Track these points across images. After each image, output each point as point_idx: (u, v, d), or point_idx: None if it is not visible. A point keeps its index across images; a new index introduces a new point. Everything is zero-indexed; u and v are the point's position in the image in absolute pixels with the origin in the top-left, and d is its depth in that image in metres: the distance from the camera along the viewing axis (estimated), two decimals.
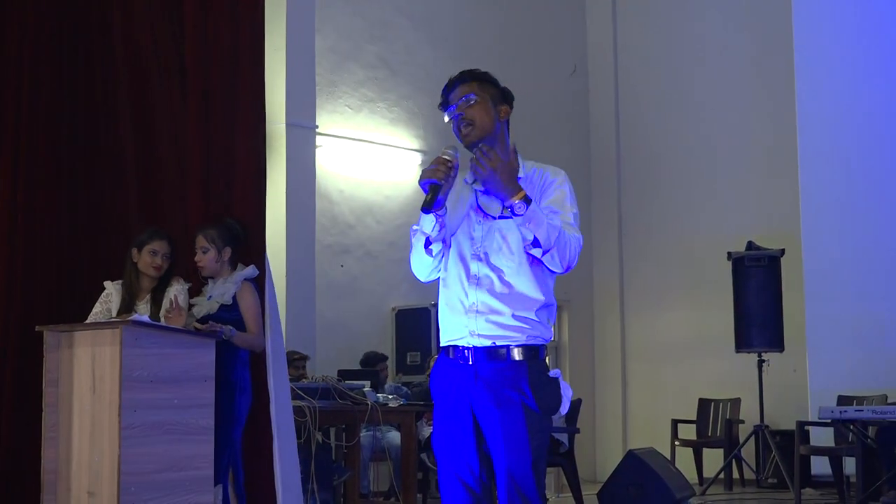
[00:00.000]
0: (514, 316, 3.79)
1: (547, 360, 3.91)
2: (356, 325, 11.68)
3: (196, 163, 6.30)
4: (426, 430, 10.28)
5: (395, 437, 9.83)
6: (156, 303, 5.87)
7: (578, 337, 14.59)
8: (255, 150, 6.17)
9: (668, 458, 11.13)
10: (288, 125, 10.97)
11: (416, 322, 11.99)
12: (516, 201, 3.68)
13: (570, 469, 9.59)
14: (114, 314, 5.84)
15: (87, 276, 6.41)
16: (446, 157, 3.81)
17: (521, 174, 3.87)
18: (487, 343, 3.79)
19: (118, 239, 6.38)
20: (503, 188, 3.71)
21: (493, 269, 3.81)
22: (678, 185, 14.21)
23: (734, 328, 11.68)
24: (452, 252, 3.90)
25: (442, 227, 3.86)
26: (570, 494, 9.62)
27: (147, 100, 6.56)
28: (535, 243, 3.69)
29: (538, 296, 3.82)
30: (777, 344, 11.47)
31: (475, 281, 3.82)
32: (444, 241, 3.89)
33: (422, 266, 3.96)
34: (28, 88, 6.78)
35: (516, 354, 3.78)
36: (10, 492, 6.21)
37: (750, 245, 11.80)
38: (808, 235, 12.18)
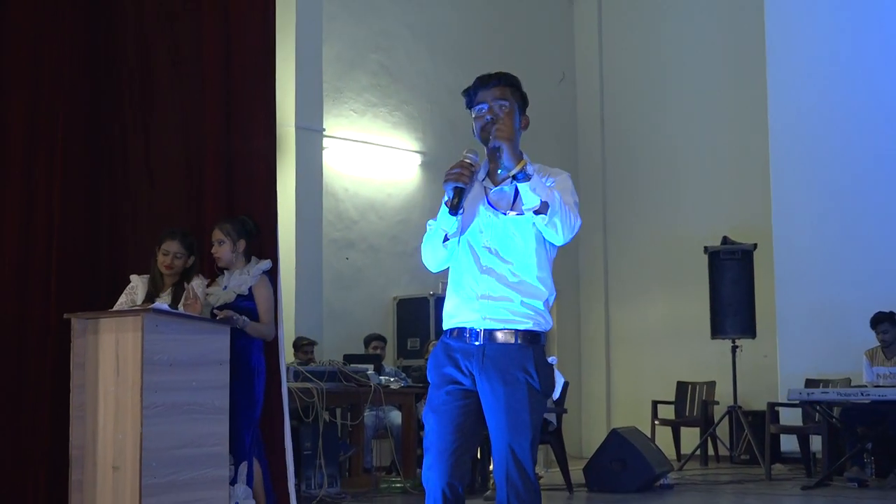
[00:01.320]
0: (522, 303, 3.80)
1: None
2: (360, 313, 11.70)
3: (213, 164, 6.32)
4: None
5: (396, 416, 9.85)
6: (176, 296, 5.88)
7: (566, 325, 14.60)
8: (266, 152, 6.18)
9: (649, 436, 11.14)
10: (297, 128, 11.00)
11: (416, 310, 12.01)
12: (524, 166, 3.71)
13: (559, 446, 9.61)
14: (138, 304, 5.85)
15: (115, 270, 6.42)
16: (468, 160, 3.80)
17: (532, 173, 3.85)
18: (498, 326, 3.79)
19: (142, 236, 6.39)
20: (513, 154, 3.73)
21: (504, 261, 3.81)
22: (658, 184, 14.23)
23: (710, 316, 11.70)
24: (463, 244, 3.90)
25: (460, 225, 3.86)
26: (559, 469, 9.64)
27: (169, 110, 6.58)
28: (539, 210, 3.68)
29: (544, 286, 3.84)
30: (749, 331, 11.49)
31: (487, 271, 3.82)
32: (458, 236, 3.89)
33: (435, 259, 3.95)
34: (63, 101, 6.80)
35: (522, 338, 3.79)
36: (50, 466, 6.21)
37: (725, 240, 11.82)
38: (779, 231, 12.19)
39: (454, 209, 3.77)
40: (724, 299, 11.56)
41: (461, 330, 3.87)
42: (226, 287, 5.96)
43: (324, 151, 11.50)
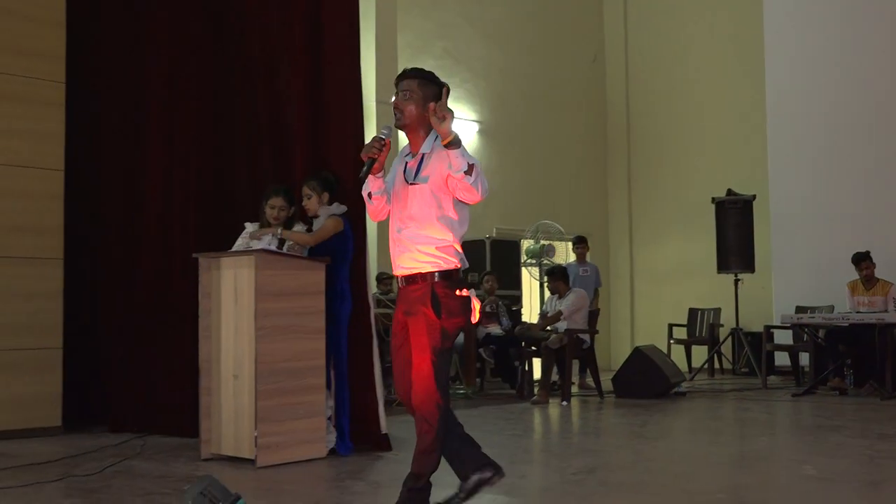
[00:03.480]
0: (424, 252, 3.89)
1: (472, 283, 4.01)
2: None
3: (312, 133, 6.35)
4: (483, 331, 10.35)
5: (459, 335, 9.90)
6: (281, 240, 5.89)
7: (598, 262, 14.51)
8: (354, 122, 6.18)
9: (665, 352, 11.14)
10: (377, 102, 11.06)
11: (474, 250, 12.00)
12: (454, 139, 3.76)
13: (591, 361, 9.64)
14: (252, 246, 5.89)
15: (232, 218, 6.50)
16: (381, 136, 3.90)
17: (432, 148, 3.95)
18: (407, 272, 3.92)
19: (257, 189, 6.44)
20: (449, 129, 3.76)
21: (411, 220, 3.90)
22: (674, 145, 14.15)
23: (716, 255, 11.65)
24: (391, 208, 4.03)
25: (378, 185, 3.98)
26: (592, 379, 9.68)
27: (276, 89, 6.60)
28: (466, 172, 3.75)
29: (442, 238, 3.90)
30: (749, 267, 11.43)
31: (400, 229, 3.93)
32: (379, 195, 4.01)
33: (372, 212, 4.09)
34: (196, 75, 6.90)
35: (424, 279, 3.89)
36: (189, 375, 6.34)
37: (729, 192, 11.73)
38: (775, 184, 12.12)
39: (364, 176, 3.92)
40: (728, 241, 11.50)
41: (397, 278, 4.02)
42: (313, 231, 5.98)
43: None
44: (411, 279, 3.91)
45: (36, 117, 6.96)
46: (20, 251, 6.82)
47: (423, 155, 3.96)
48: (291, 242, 5.74)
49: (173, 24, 7.13)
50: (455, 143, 3.77)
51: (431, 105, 3.83)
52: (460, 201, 3.93)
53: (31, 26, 6.99)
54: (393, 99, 4.01)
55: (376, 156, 3.89)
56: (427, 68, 4.07)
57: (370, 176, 3.95)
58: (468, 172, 3.75)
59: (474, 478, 3.97)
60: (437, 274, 3.89)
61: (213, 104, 6.87)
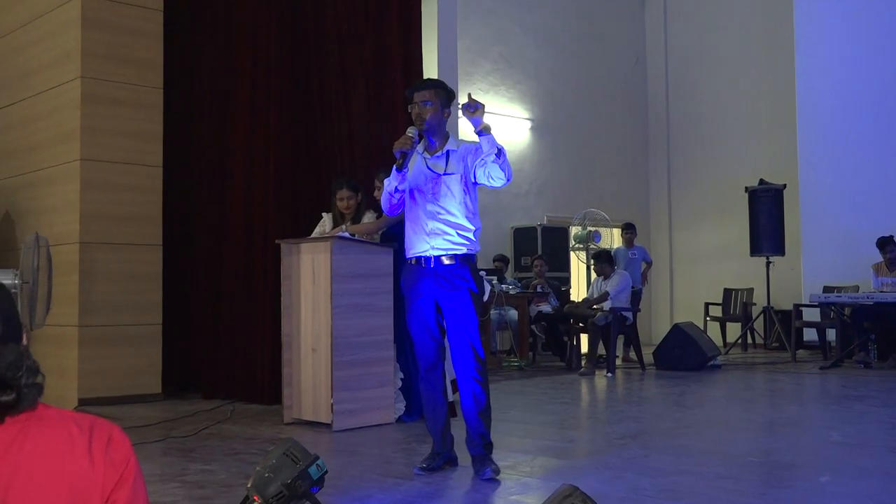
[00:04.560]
0: (458, 235, 4.04)
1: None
2: (486, 238, 11.69)
3: (376, 128, 6.37)
4: (534, 309, 10.34)
5: (514, 314, 9.92)
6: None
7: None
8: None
9: (702, 328, 11.02)
10: None
11: (527, 236, 12.00)
12: (487, 126, 3.98)
13: (634, 336, 9.58)
14: (327, 233, 5.94)
15: (309, 209, 6.56)
16: (410, 134, 4.07)
17: (456, 146, 4.12)
18: (442, 253, 4.04)
19: (328, 184, 6.50)
20: (482, 119, 3.98)
21: (443, 207, 4.04)
22: (710, 140, 13.96)
23: (749, 239, 11.47)
24: (413, 197, 4.11)
25: (404, 179, 4.10)
26: (634, 353, 9.61)
27: (347, 91, 6.62)
28: (496, 156, 3.92)
29: (471, 223, 4.08)
30: (780, 250, 11.24)
31: (431, 216, 4.04)
32: (403, 189, 4.12)
33: (388, 204, 4.20)
34: (274, 82, 6.94)
35: (460, 259, 4.03)
36: (271, 347, 6.45)
37: (761, 181, 11.54)
38: (804, 174, 11.94)
39: (399, 167, 4.05)
40: (761, 226, 11.33)
41: (418, 258, 4.09)
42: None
43: (458, 120, 11.49)
44: (446, 258, 4.02)
45: (138, 119, 7.10)
46: (125, 238, 6.98)
47: (448, 151, 4.12)
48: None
49: (257, 32, 7.19)
50: (487, 129, 3.97)
51: (460, 105, 4.05)
52: (483, 185, 4.07)
53: (133, 38, 7.13)
54: (412, 109, 4.13)
55: (408, 149, 4.05)
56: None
57: (397, 173, 4.07)
58: (498, 155, 3.92)
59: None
60: (467, 256, 4.05)
61: (291, 106, 6.93)
